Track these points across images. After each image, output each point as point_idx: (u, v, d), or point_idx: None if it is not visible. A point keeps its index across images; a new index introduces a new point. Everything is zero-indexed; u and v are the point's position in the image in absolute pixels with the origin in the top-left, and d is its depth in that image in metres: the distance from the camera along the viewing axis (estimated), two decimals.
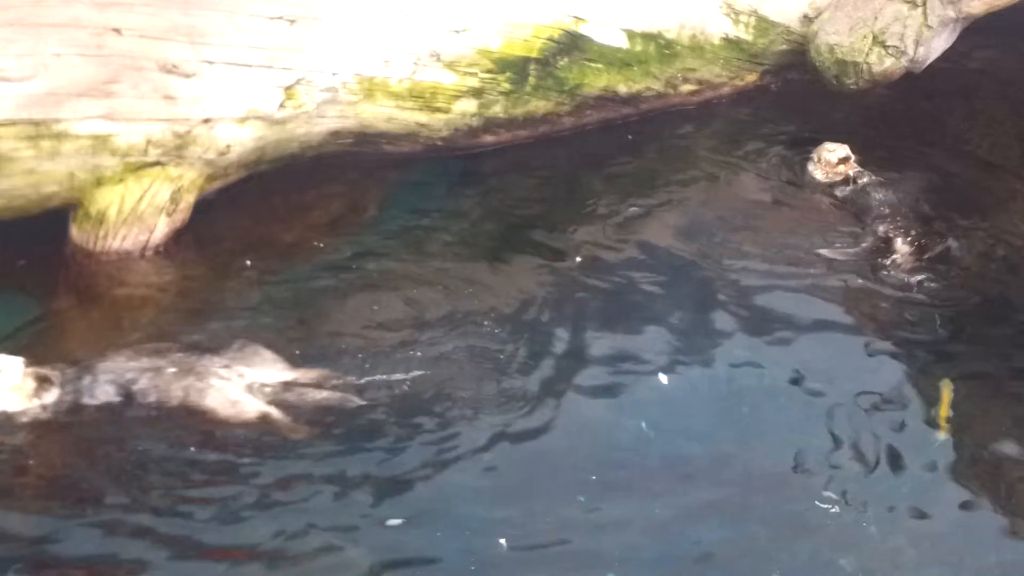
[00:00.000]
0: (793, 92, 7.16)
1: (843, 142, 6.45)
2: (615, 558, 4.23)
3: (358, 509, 4.38)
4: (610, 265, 5.79)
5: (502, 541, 4.26)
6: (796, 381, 5.06)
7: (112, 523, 4.28)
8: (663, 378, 5.04)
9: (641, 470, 4.60)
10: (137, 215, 5.47)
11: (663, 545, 4.34)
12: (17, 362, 4.55)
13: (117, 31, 5.22)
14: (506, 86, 6.35)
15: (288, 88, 5.72)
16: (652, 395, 4.99)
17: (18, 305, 5.19)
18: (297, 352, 5.02)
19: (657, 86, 6.81)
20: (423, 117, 6.21)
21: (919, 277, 5.67)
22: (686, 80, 6.89)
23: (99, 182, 5.39)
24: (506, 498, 4.46)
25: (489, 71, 6.28)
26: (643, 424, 4.81)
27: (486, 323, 5.30)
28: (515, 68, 6.35)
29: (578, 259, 5.80)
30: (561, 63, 6.47)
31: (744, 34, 6.96)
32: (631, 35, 6.66)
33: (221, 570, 4.13)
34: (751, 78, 7.10)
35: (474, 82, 6.26)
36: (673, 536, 4.35)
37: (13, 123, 5.06)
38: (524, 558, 4.23)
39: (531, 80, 6.42)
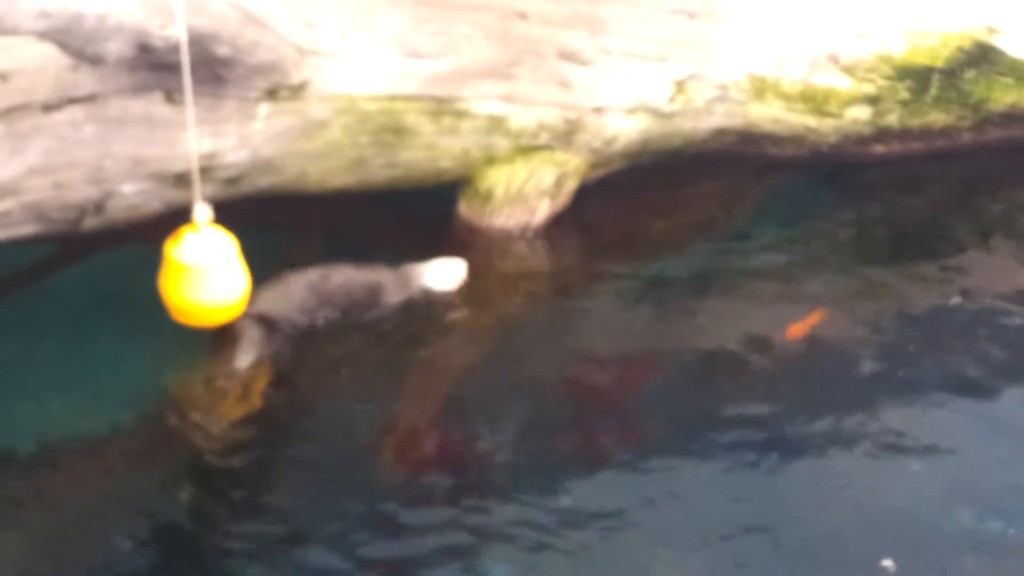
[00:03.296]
0: None
1: None
2: None
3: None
4: (994, 315, 5.30)
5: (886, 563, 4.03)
6: None
7: None
8: None
9: None
10: (522, 196, 5.61)
11: None
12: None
13: (523, 16, 5.36)
14: (904, 95, 6.03)
15: (679, 82, 5.68)
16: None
17: None
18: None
19: None
20: (812, 121, 6.00)
21: None
22: None
23: (490, 161, 5.55)
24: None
25: (888, 78, 5.98)
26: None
27: (836, 351, 5.05)
28: (916, 77, 6.03)
29: (954, 299, 5.38)
30: (968, 75, 6.09)
31: None
32: None
33: None
34: None
35: (870, 88, 5.98)
36: None
37: (419, 98, 5.29)
38: None
39: (932, 91, 6.06)
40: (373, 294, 5.12)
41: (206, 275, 4.52)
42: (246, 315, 4.75)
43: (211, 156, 4.85)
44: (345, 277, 5.12)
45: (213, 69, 4.67)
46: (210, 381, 4.74)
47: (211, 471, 4.36)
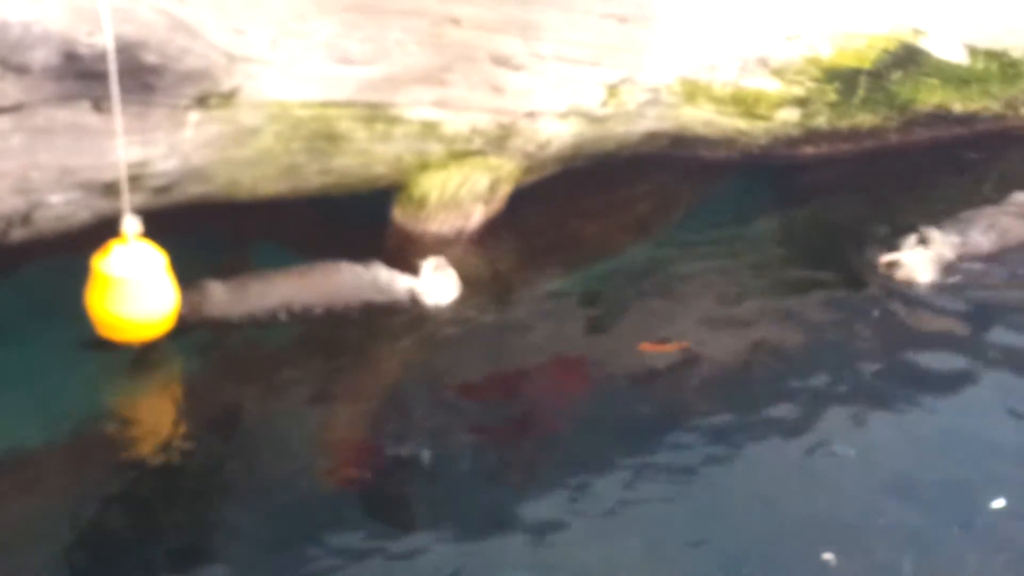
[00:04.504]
0: None
1: None
2: None
3: None
4: (915, 312, 5.38)
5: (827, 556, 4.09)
6: None
7: None
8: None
9: None
10: (456, 201, 5.61)
11: None
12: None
13: (456, 22, 5.34)
14: (833, 97, 6.12)
15: (612, 86, 5.71)
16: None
17: None
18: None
19: (996, 107, 6.42)
20: (743, 123, 6.07)
21: None
22: None
23: (423, 167, 5.54)
24: None
25: (816, 80, 6.07)
26: None
27: (764, 347, 5.12)
28: (844, 79, 6.12)
29: (876, 312, 5.43)
30: (894, 76, 6.20)
31: None
32: (973, 51, 6.31)
33: None
34: None
35: (799, 91, 6.06)
36: None
37: (352, 104, 5.26)
38: None
39: (860, 92, 6.16)
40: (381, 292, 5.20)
41: (134, 289, 4.46)
42: None
43: (141, 165, 4.79)
44: (353, 272, 5.19)
45: (141, 77, 4.61)
46: (141, 393, 4.69)
47: (143, 486, 4.29)
